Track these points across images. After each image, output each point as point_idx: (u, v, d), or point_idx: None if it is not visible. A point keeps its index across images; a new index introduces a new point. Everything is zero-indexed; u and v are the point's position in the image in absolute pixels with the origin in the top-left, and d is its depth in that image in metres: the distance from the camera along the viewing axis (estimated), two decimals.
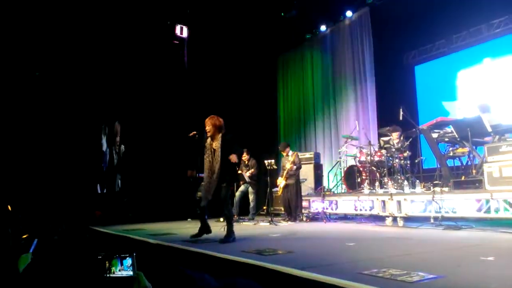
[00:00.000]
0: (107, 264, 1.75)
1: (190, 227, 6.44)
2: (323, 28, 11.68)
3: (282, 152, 8.57)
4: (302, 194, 8.55)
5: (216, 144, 5.21)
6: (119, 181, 15.87)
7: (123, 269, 1.74)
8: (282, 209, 8.68)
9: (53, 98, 14.22)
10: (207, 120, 5.32)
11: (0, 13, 9.84)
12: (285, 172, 8.22)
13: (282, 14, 11.13)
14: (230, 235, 5.04)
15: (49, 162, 14.54)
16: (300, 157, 8.87)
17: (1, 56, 11.61)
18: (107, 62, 12.35)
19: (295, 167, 8.17)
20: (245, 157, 8.94)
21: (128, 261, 1.74)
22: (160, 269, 4.40)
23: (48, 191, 13.62)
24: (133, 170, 13.39)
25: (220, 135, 5.23)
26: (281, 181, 8.28)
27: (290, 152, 8.40)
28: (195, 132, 5.37)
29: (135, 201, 11.55)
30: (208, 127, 5.26)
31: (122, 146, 15.58)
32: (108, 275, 1.72)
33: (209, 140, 5.31)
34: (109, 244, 6.68)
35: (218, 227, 5.66)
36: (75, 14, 10.12)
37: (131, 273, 1.73)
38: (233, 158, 5.01)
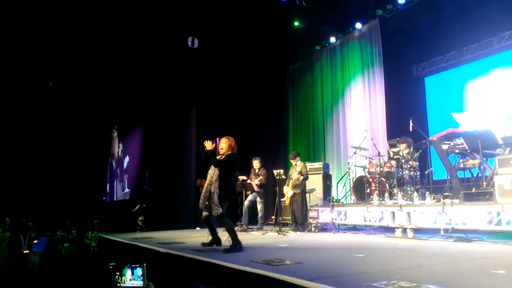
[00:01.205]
0: (118, 274, 1.77)
1: (199, 236, 6.46)
2: (332, 39, 11.73)
3: (292, 161, 8.59)
4: (311, 204, 8.54)
5: (219, 159, 5.38)
6: (120, 188, 16.00)
7: (134, 279, 1.76)
8: (290, 219, 8.67)
9: (66, 105, 14.48)
10: (223, 139, 5.52)
11: (16, 26, 10.05)
12: (291, 181, 8.22)
13: (296, 23, 11.20)
14: (235, 245, 5.07)
15: (62, 166, 14.75)
16: (309, 167, 8.87)
17: (17, 67, 11.87)
18: (119, 70, 12.54)
19: (302, 177, 8.19)
20: (256, 166, 8.97)
21: (139, 271, 1.77)
22: (170, 280, 4.43)
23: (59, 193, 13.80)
24: (143, 178, 13.48)
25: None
26: (288, 191, 8.28)
27: (299, 162, 8.41)
28: (207, 146, 5.43)
29: (145, 209, 11.60)
30: (223, 145, 5.46)
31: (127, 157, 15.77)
32: (119, 285, 1.74)
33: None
34: (119, 253, 6.72)
35: (226, 236, 5.67)
36: (88, 26, 10.30)
37: (141, 283, 1.75)
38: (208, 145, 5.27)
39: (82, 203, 14.15)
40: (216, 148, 5.45)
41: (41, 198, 13.82)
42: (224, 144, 5.46)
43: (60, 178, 14.90)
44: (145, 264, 1.78)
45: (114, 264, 1.79)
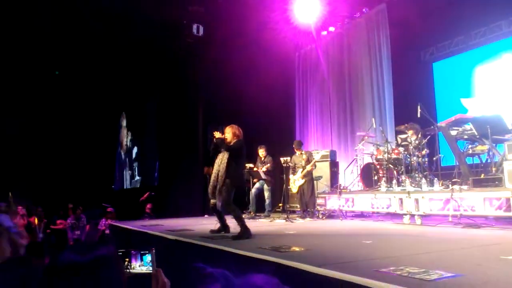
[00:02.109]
0: (127, 260, 1.79)
1: (207, 223, 6.49)
2: (339, 24, 11.60)
3: (296, 150, 8.59)
4: (318, 191, 8.55)
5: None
6: (129, 176, 16.12)
7: (143, 265, 1.78)
8: (298, 206, 8.69)
9: (73, 94, 14.53)
10: (227, 127, 5.55)
11: (22, 17, 10.05)
12: (303, 170, 8.21)
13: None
14: (243, 232, 5.09)
15: (71, 155, 14.87)
16: (316, 154, 8.89)
17: (24, 57, 11.91)
18: (125, 57, 12.53)
19: (313, 167, 8.22)
20: (262, 154, 8.98)
21: (148, 258, 1.78)
22: (179, 265, 4.46)
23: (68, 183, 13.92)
24: (150, 166, 13.57)
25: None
26: (297, 179, 8.29)
27: (304, 151, 8.44)
28: (216, 135, 5.46)
29: (153, 197, 11.69)
30: (228, 135, 5.48)
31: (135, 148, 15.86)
32: (128, 271, 1.75)
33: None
34: (128, 239, 6.79)
35: (234, 223, 5.69)
36: (93, 15, 10.27)
37: (150, 269, 1.76)
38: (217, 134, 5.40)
39: (92, 191, 14.28)
40: (224, 137, 5.49)
41: (51, 186, 13.98)
42: (228, 133, 5.49)
43: (71, 167, 15.04)
44: (154, 251, 1.78)
45: (123, 250, 1.79)
